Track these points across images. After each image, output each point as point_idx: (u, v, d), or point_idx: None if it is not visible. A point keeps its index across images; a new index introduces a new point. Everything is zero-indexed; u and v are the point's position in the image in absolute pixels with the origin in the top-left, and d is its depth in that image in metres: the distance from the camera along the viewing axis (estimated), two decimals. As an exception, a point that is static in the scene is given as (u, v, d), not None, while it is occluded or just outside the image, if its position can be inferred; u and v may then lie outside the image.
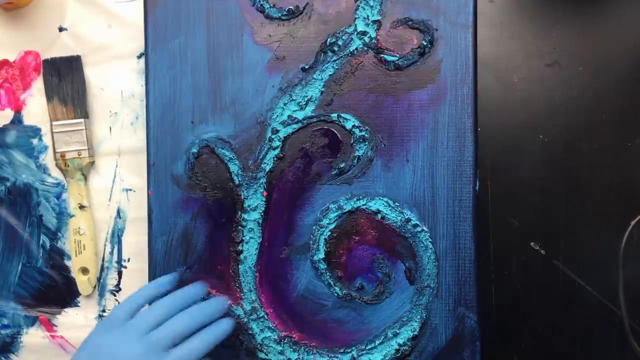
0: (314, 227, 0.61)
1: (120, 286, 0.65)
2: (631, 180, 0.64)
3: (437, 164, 0.60)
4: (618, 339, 0.63)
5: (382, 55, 0.60)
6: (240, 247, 0.61)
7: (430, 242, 0.60)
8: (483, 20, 0.64)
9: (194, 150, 0.61)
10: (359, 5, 0.60)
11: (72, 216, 0.64)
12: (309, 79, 0.61)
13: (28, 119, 0.66)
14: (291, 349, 0.61)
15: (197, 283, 0.56)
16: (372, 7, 0.60)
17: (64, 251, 0.65)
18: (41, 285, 0.65)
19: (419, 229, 0.60)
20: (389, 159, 0.60)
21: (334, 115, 0.60)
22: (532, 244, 0.64)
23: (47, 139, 0.65)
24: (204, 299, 0.56)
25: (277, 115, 0.61)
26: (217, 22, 0.61)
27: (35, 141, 0.66)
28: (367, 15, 0.60)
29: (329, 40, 0.60)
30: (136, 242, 0.65)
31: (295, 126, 0.61)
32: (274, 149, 0.61)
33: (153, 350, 0.49)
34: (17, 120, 0.66)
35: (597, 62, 0.64)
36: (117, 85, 0.65)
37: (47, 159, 0.65)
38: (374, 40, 0.60)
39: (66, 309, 0.65)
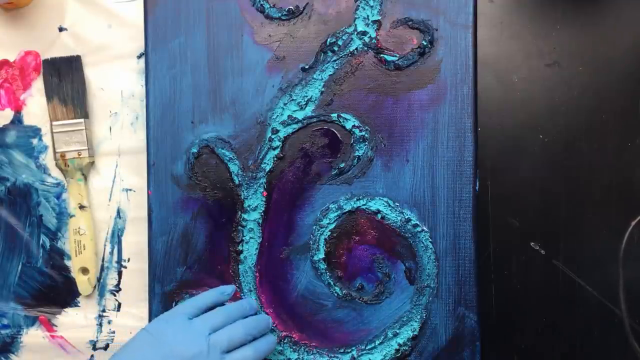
0: (314, 227, 0.61)
1: (120, 286, 0.65)
2: (631, 180, 0.64)
3: (437, 164, 0.60)
4: (618, 339, 0.63)
5: (382, 55, 0.60)
6: (240, 247, 0.61)
7: (430, 242, 0.60)
8: (483, 20, 0.64)
9: (194, 150, 0.61)
10: (359, 5, 0.60)
11: (72, 216, 0.64)
12: (309, 79, 0.61)
13: (28, 119, 0.66)
14: (291, 349, 0.61)
15: (251, 300, 0.60)
16: (372, 7, 0.60)
17: (64, 251, 0.65)
18: (41, 285, 0.65)
19: (419, 229, 0.60)
20: (389, 159, 0.60)
21: (334, 115, 0.60)
22: (532, 244, 0.64)
23: (47, 139, 0.65)
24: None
25: (277, 115, 0.61)
26: (217, 22, 0.61)
27: (35, 141, 0.65)
28: (367, 15, 0.60)
29: (329, 40, 0.60)
30: (136, 242, 0.65)
31: (295, 126, 0.61)
32: (274, 149, 0.61)
33: (214, 351, 0.53)
34: (17, 120, 0.66)
35: (597, 62, 0.64)
36: (117, 85, 0.65)
37: (47, 159, 0.65)
38: (374, 40, 0.60)
39: (66, 309, 0.65)
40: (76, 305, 0.65)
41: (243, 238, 0.61)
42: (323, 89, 0.60)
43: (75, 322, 0.65)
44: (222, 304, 0.58)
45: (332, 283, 0.61)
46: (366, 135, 0.60)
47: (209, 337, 0.53)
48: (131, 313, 0.65)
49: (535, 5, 0.65)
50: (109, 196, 0.65)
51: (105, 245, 0.65)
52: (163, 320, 0.55)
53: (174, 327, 0.54)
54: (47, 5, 0.65)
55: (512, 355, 0.64)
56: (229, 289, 0.59)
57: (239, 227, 0.61)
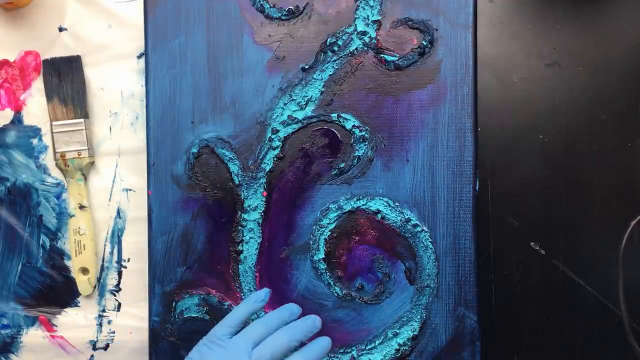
0: (314, 227, 0.61)
1: (120, 286, 0.65)
2: (631, 181, 0.64)
3: (437, 164, 0.60)
4: (618, 339, 0.63)
5: (382, 55, 0.60)
6: (240, 247, 0.61)
7: (430, 242, 0.60)
8: (483, 20, 0.64)
9: (194, 150, 0.61)
10: (359, 5, 0.60)
11: (72, 216, 0.64)
12: (309, 79, 0.61)
13: (28, 119, 0.66)
14: (291, 349, 0.61)
15: (291, 305, 0.58)
16: (372, 7, 0.60)
17: (64, 251, 0.65)
18: (41, 285, 0.65)
19: (419, 229, 0.60)
20: (389, 159, 0.60)
21: (334, 115, 0.60)
22: (532, 244, 0.64)
23: (47, 139, 0.65)
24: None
25: (277, 115, 0.61)
26: (217, 22, 0.61)
27: (35, 141, 0.65)
28: (367, 15, 0.60)
29: (329, 40, 0.60)
30: (136, 242, 0.65)
31: (295, 126, 0.61)
32: (274, 149, 0.61)
33: None
34: (17, 120, 0.66)
35: (597, 62, 0.64)
36: (117, 85, 0.65)
37: (47, 159, 0.65)
38: (374, 40, 0.60)
39: (66, 309, 0.65)
40: (76, 305, 0.65)
41: (243, 238, 0.61)
42: (323, 89, 0.60)
43: (75, 322, 0.65)
44: (258, 313, 0.58)
45: (332, 283, 0.61)
46: (366, 135, 0.60)
47: (252, 352, 0.52)
48: (131, 313, 0.65)
49: (535, 5, 0.65)
50: (109, 196, 0.65)
51: (105, 245, 0.65)
52: (203, 345, 0.54)
53: (215, 351, 0.53)
54: (47, 5, 0.65)
55: (512, 355, 0.64)
56: (262, 294, 0.58)
57: (239, 227, 0.61)
